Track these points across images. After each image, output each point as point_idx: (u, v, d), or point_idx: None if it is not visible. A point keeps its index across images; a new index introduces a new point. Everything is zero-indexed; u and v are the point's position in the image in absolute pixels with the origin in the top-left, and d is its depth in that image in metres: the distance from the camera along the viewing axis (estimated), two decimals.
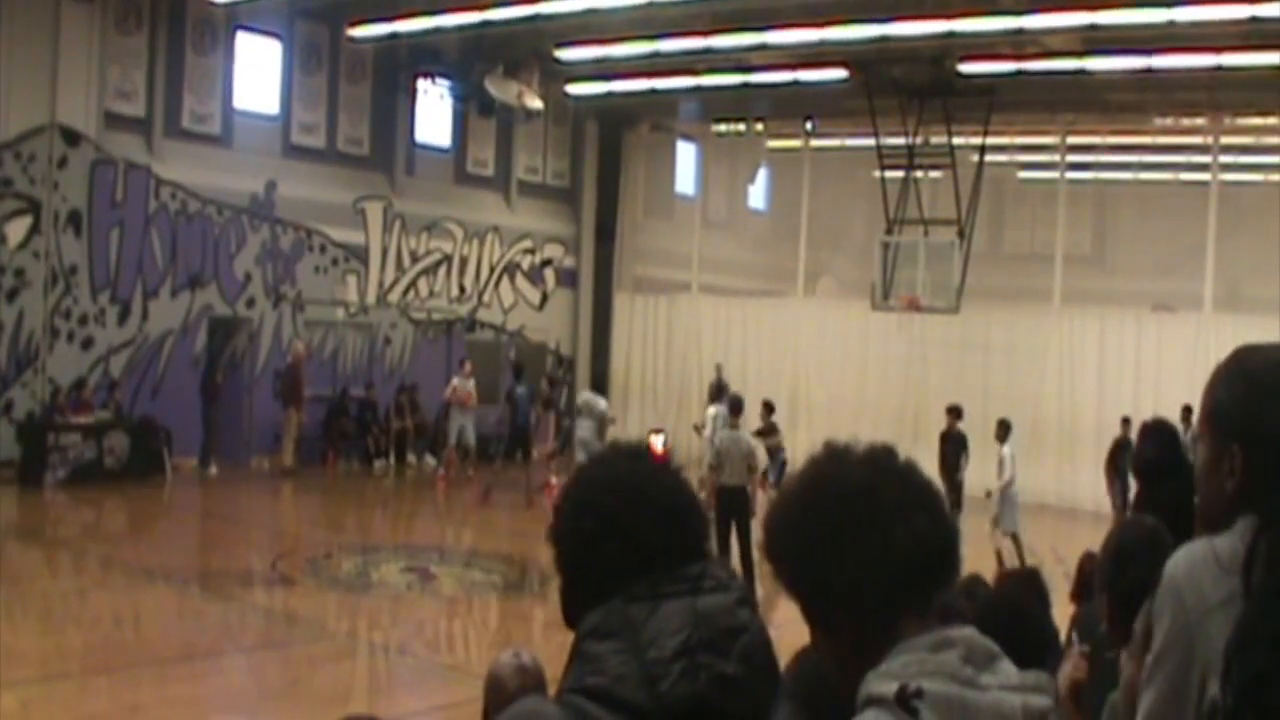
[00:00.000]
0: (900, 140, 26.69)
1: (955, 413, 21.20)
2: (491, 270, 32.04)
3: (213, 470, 25.08)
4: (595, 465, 2.67)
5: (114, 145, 24.50)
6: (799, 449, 23.33)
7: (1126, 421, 23.37)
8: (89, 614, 14.85)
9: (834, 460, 2.33)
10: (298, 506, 24.74)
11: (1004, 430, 19.72)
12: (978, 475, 20.72)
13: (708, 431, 23.13)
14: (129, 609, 15.29)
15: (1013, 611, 4.97)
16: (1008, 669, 2.19)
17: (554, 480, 21.66)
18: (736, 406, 18.27)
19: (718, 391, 26.53)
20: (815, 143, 31.69)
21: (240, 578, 17.20)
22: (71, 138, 23.73)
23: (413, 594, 16.75)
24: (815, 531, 2.27)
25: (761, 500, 20.60)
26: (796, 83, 26.71)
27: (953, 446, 20.49)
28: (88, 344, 24.22)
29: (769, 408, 23.83)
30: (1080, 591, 6.85)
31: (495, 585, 17.58)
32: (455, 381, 26.50)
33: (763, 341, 31.89)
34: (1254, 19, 19.56)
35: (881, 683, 2.11)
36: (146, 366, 25.14)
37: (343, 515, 24.01)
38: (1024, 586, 5.71)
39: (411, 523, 24.52)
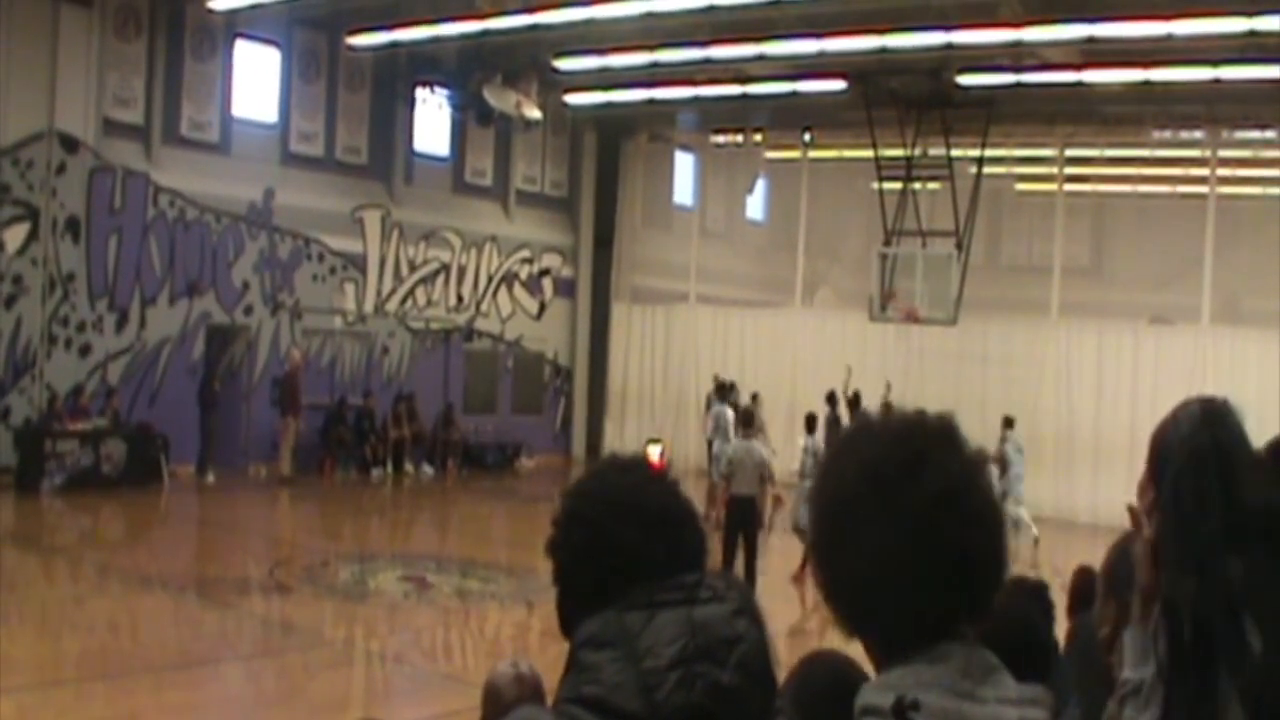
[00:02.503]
0: (898, 151, 26.73)
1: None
2: (489, 280, 32.04)
3: (210, 478, 25.06)
4: (589, 478, 2.65)
5: (112, 152, 24.52)
6: (796, 460, 23.33)
7: None
8: (86, 621, 14.83)
9: (895, 482, 2.21)
10: (295, 515, 24.75)
11: (810, 423, 20.91)
12: None
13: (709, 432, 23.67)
14: (126, 616, 15.29)
15: (1017, 624, 4.97)
16: (1007, 682, 2.19)
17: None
18: (748, 418, 18.27)
19: (719, 396, 26.79)
20: (813, 154, 31.68)
21: (237, 585, 17.19)
22: (70, 144, 23.75)
23: (409, 602, 16.73)
24: (849, 567, 2.27)
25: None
26: (795, 93, 26.76)
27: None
28: (85, 351, 24.22)
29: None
30: (1076, 606, 6.82)
31: (492, 594, 17.55)
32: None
33: (760, 352, 31.87)
34: (1252, 32, 19.59)
35: (878, 694, 2.11)
36: (144, 374, 25.14)
37: (340, 524, 23.99)
38: (1030, 599, 5.70)
39: (409, 531, 24.50)
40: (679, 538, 2.52)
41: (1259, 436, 2.76)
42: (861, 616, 2.25)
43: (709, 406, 27.31)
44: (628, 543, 2.44)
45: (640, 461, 2.72)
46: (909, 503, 2.17)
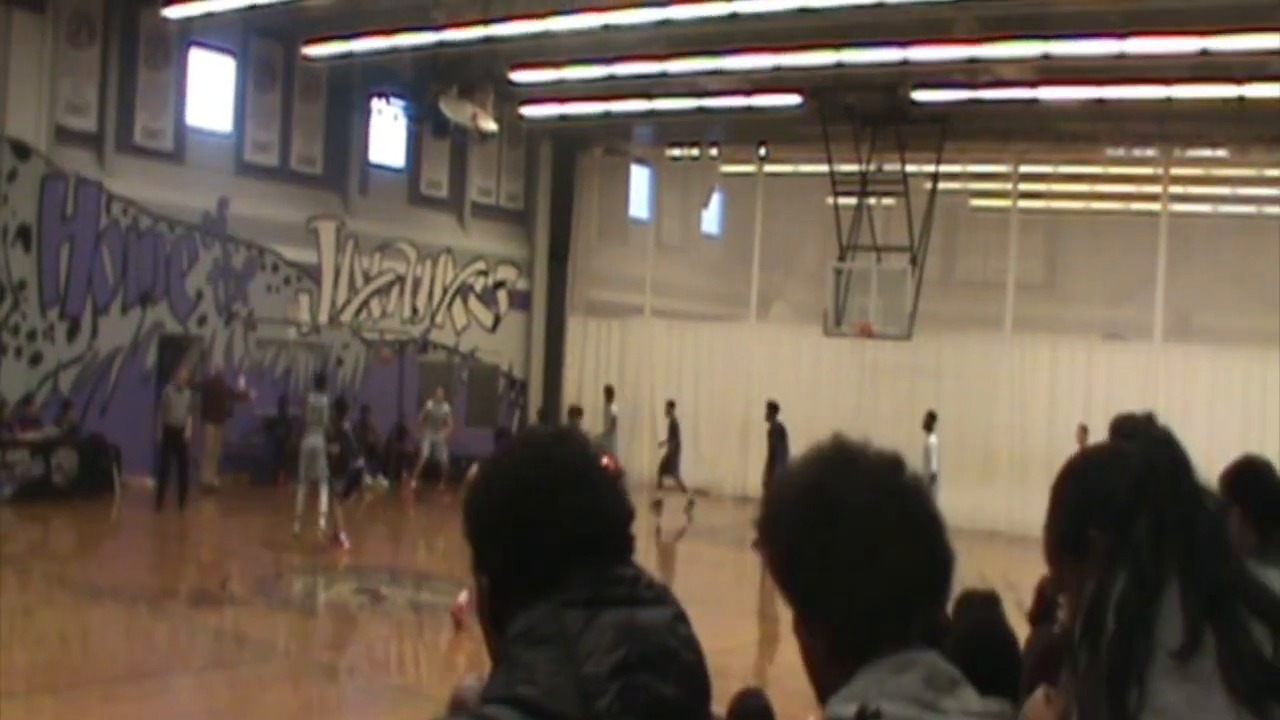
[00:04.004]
0: (854, 167, 26.83)
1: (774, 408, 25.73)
2: (444, 292, 31.98)
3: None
4: (520, 449, 2.53)
5: (65, 159, 24.35)
6: (751, 473, 23.46)
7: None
8: (35, 633, 14.67)
9: (840, 469, 2.29)
10: (248, 526, 24.56)
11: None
12: None
13: None
14: (76, 628, 15.16)
15: (996, 632, 5.00)
16: (969, 694, 2.19)
17: None
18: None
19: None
20: (769, 168, 31.77)
21: (189, 597, 17.09)
22: (21, 151, 23.58)
23: (363, 615, 16.68)
24: (807, 543, 2.25)
25: None
26: (751, 108, 26.82)
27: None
28: (36, 360, 24.04)
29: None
30: (1038, 614, 6.85)
31: (446, 607, 17.46)
32: (429, 405, 27.80)
33: (715, 366, 31.92)
34: (1204, 52, 19.76)
35: (841, 704, 2.11)
36: (96, 383, 24.96)
37: (292, 536, 23.83)
38: (994, 608, 5.72)
39: (362, 544, 24.36)
40: (622, 510, 2.47)
41: (1211, 451, 2.79)
42: (834, 600, 2.25)
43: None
44: (582, 512, 2.35)
45: (568, 432, 2.64)
46: (863, 525, 2.20)
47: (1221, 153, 27.25)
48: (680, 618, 2.35)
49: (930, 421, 24.31)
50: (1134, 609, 2.42)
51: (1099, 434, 2.93)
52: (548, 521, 2.34)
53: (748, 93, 26.08)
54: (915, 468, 2.35)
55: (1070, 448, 25.23)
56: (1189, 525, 2.49)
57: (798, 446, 27.68)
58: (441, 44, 24.29)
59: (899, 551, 2.21)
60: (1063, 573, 2.71)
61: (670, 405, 29.22)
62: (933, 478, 22.82)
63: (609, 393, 29.47)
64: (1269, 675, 2.36)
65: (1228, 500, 4.08)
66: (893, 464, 2.29)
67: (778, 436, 25.67)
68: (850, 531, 2.21)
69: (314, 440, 21.18)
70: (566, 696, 2.17)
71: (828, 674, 2.20)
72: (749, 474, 28.37)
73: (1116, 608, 2.43)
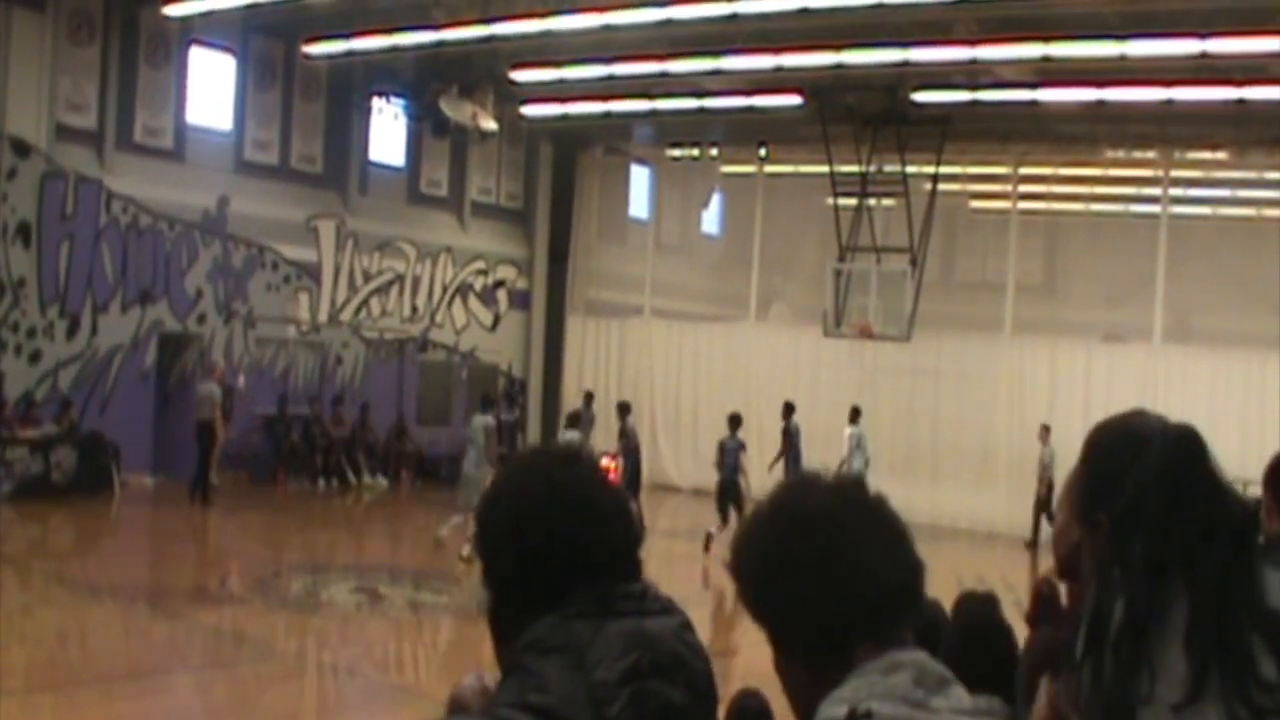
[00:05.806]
0: (854, 168, 26.79)
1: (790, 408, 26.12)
2: (444, 291, 31.98)
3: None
4: (527, 472, 2.53)
5: (65, 157, 24.33)
6: (750, 475, 23.41)
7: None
8: (33, 631, 14.66)
9: (801, 487, 2.34)
10: (247, 525, 24.57)
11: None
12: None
13: None
14: (74, 626, 15.15)
15: (994, 630, 5.01)
16: (959, 692, 2.20)
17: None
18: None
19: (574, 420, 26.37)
20: (769, 168, 31.75)
21: (188, 596, 17.05)
22: (21, 149, 23.56)
23: (362, 614, 16.66)
24: (776, 555, 2.27)
25: None
26: (751, 108, 26.80)
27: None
28: (35, 357, 24.02)
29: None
30: (1036, 615, 6.87)
31: (445, 606, 17.51)
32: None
33: (714, 366, 31.90)
34: (1204, 54, 19.77)
35: (833, 707, 2.12)
36: (95, 381, 24.95)
37: (291, 534, 23.85)
38: (993, 607, 5.72)
39: (361, 543, 24.41)
40: (629, 532, 2.48)
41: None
42: (806, 613, 2.26)
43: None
44: (587, 540, 2.38)
45: (576, 453, 2.64)
46: (834, 533, 2.24)
47: (1221, 155, 27.24)
48: (687, 626, 2.37)
49: (854, 415, 25.69)
50: (1131, 647, 2.41)
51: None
52: (550, 554, 2.37)
53: (748, 93, 26.06)
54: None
55: (1068, 449, 25.47)
56: (1199, 550, 2.48)
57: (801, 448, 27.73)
58: (442, 43, 24.27)
59: (870, 557, 2.23)
60: (1079, 539, 2.71)
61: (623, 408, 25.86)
62: (842, 461, 24.42)
63: (589, 397, 29.61)
64: (1271, 699, 2.36)
65: (1270, 494, 4.02)
66: (855, 481, 2.33)
67: (793, 437, 25.76)
68: (823, 539, 2.23)
69: (467, 464, 20.77)
70: (578, 703, 2.19)
71: (812, 696, 2.20)
72: (747, 474, 28.36)
73: (1114, 645, 2.42)
